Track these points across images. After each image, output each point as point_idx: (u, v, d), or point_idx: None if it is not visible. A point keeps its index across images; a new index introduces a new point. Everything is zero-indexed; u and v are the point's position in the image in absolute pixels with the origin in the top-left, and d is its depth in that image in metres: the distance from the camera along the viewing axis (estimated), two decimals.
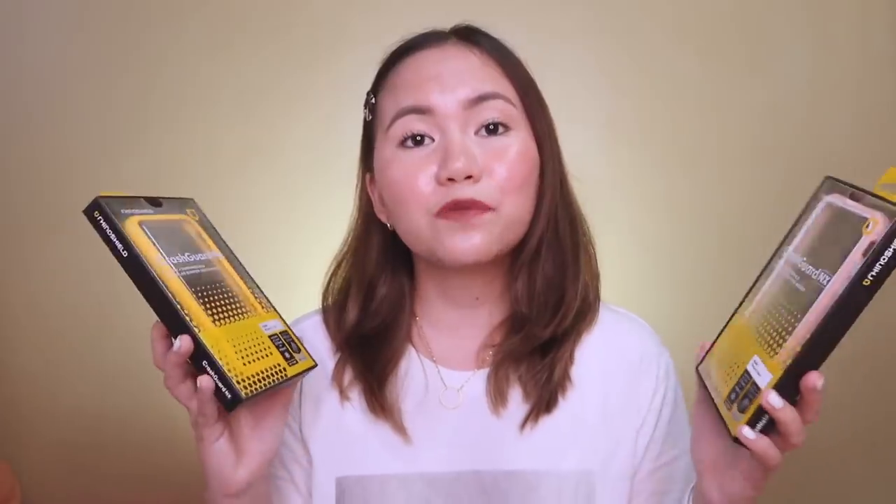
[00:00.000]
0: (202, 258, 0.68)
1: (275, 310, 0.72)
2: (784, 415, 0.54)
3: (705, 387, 0.65)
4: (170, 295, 0.61)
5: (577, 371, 0.75)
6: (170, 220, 0.67)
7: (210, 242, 0.70)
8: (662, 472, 0.76)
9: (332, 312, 0.80)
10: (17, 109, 1.52)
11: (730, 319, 0.66)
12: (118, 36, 1.51)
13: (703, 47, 1.50)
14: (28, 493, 1.48)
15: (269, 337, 0.68)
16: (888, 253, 0.51)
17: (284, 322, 0.72)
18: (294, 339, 0.72)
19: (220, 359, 0.61)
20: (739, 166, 1.52)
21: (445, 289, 0.76)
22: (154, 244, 0.63)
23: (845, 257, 0.53)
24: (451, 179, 0.67)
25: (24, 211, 1.52)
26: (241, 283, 0.71)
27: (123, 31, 1.51)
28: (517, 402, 0.74)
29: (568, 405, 0.74)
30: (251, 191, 1.51)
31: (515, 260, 0.76)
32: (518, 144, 0.71)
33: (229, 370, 0.61)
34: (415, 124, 0.70)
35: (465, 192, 0.68)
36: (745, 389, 0.58)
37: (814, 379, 0.54)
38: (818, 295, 0.54)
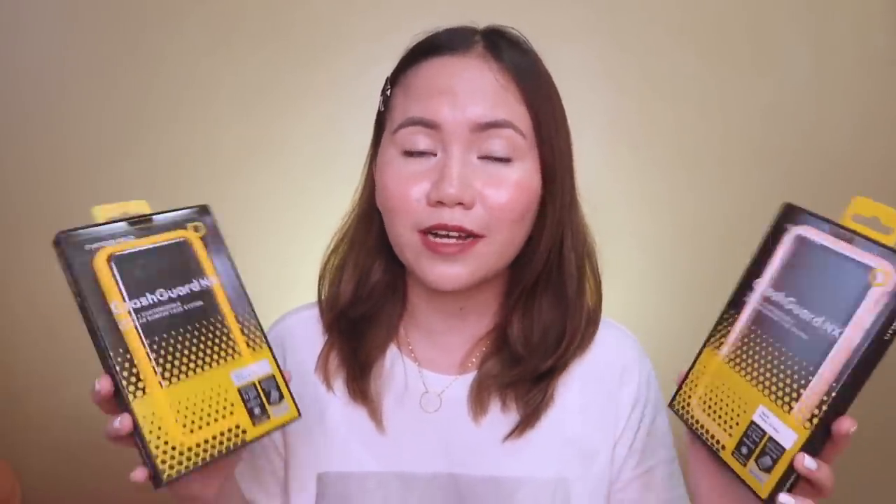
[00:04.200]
0: (182, 293, 0.60)
1: (267, 346, 0.65)
2: (820, 474, 0.55)
3: (690, 428, 0.64)
4: (109, 354, 0.55)
5: (559, 382, 0.75)
6: (158, 245, 0.60)
7: (207, 265, 0.63)
8: (641, 480, 0.76)
9: (327, 294, 0.78)
10: (15, 109, 1.52)
11: (699, 356, 0.65)
12: (116, 36, 1.51)
13: (704, 48, 1.50)
14: (28, 493, 1.48)
15: (239, 390, 0.61)
16: None
17: (274, 362, 0.64)
18: (281, 384, 0.64)
19: (149, 433, 0.55)
20: (741, 167, 1.52)
21: (432, 295, 0.76)
22: (118, 285, 0.57)
23: (853, 307, 0.53)
24: (441, 203, 0.66)
25: (23, 211, 1.52)
26: (229, 317, 0.63)
27: (122, 30, 1.51)
28: (497, 410, 0.74)
29: (549, 417, 0.74)
30: (250, 190, 1.51)
31: (506, 280, 0.75)
32: (519, 174, 0.68)
33: (156, 447, 0.55)
34: (420, 137, 0.68)
35: (453, 217, 0.66)
36: (761, 445, 0.57)
37: (847, 425, 0.54)
38: (830, 346, 0.54)
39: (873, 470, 1.53)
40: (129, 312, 0.57)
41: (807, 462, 0.54)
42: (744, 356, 0.61)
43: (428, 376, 0.76)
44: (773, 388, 0.57)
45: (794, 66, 1.51)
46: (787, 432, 0.56)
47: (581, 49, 1.48)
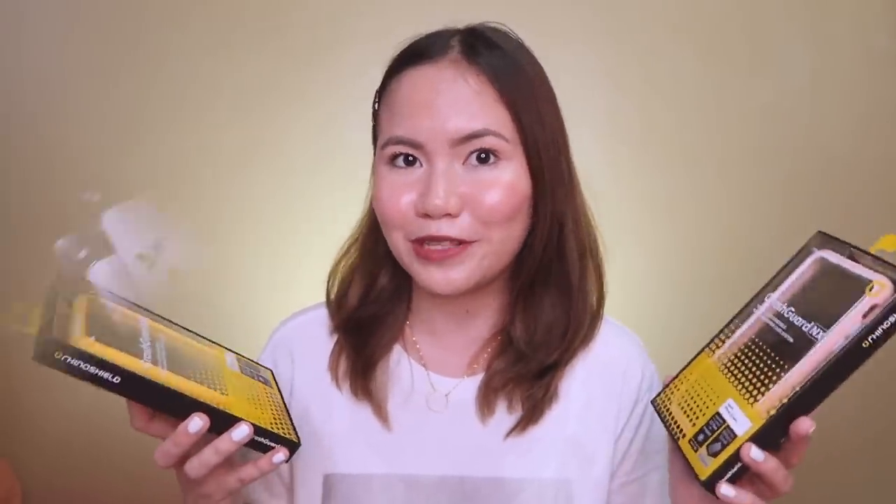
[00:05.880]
0: (147, 336, 0.62)
1: (211, 340, 0.71)
2: (766, 467, 0.54)
3: (662, 418, 0.65)
4: (195, 398, 0.58)
5: (562, 382, 0.75)
6: (93, 314, 0.59)
7: (127, 312, 0.64)
8: (634, 485, 0.77)
9: (335, 296, 0.80)
10: (17, 109, 1.52)
11: (695, 357, 0.66)
12: (118, 35, 1.51)
13: (703, 47, 1.50)
14: (28, 492, 1.48)
15: (241, 372, 0.68)
16: (892, 318, 0.51)
17: (227, 348, 0.71)
18: (247, 359, 0.72)
19: (268, 426, 0.62)
20: (740, 166, 1.52)
21: (436, 298, 0.75)
22: (122, 351, 0.56)
23: (842, 315, 0.53)
24: (427, 215, 0.67)
25: (23, 211, 1.52)
26: (180, 336, 0.67)
27: (123, 30, 1.51)
28: (503, 410, 0.74)
29: (552, 415, 0.74)
30: (250, 191, 1.51)
31: (509, 279, 0.75)
32: (507, 176, 0.67)
33: (275, 430, 0.62)
34: (404, 154, 0.69)
35: (441, 228, 0.66)
36: (717, 433, 0.57)
37: (806, 426, 0.53)
38: (809, 348, 0.54)
39: (874, 471, 1.53)
40: (156, 367, 0.58)
41: (753, 452, 0.54)
42: (735, 361, 0.61)
43: (435, 378, 0.76)
44: (746, 384, 0.58)
45: (792, 66, 1.51)
46: (743, 421, 0.56)
47: (581, 49, 1.48)
